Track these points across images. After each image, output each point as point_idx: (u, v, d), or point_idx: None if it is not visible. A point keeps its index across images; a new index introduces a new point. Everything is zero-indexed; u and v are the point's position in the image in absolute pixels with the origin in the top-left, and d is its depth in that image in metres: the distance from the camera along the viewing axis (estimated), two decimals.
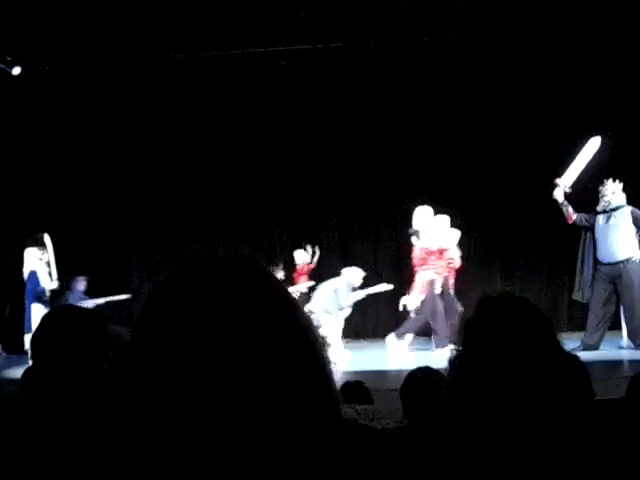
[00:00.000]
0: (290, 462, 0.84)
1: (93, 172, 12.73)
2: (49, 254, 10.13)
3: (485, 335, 1.63)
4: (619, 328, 9.69)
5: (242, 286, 0.89)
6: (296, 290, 11.98)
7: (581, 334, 9.52)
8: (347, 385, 4.19)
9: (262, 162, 12.85)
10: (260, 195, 12.92)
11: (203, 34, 11.56)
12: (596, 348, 9.29)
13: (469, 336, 1.65)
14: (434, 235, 10.19)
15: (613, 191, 9.45)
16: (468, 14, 11.31)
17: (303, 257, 12.54)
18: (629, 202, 9.53)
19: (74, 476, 1.83)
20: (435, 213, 10.35)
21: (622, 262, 9.30)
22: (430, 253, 10.15)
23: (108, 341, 2.11)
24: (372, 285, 11.11)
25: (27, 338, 9.44)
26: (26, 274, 10.00)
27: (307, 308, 11.03)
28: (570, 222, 9.68)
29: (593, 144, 9.71)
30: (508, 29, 11.50)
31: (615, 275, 9.34)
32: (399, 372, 5.87)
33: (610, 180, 9.51)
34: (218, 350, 0.84)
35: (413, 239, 10.38)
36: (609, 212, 9.46)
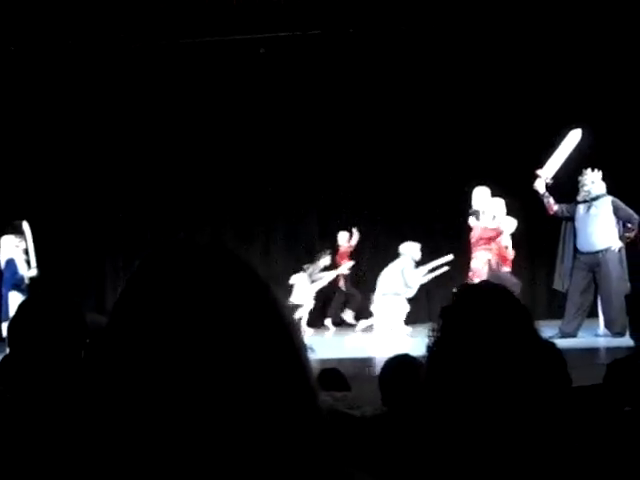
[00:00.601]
0: (265, 447, 0.84)
1: (72, 159, 12.61)
2: (27, 242, 10.06)
3: (463, 322, 1.64)
4: (596, 316, 9.76)
5: (215, 272, 0.89)
6: (339, 271, 12.07)
7: (559, 322, 9.58)
8: (324, 372, 4.20)
9: (245, 152, 12.76)
10: (245, 183, 12.84)
11: (182, 21, 11.49)
12: (574, 336, 9.35)
13: (447, 323, 1.66)
14: (492, 216, 10.15)
15: (592, 180, 9.49)
16: (449, 3, 11.33)
17: (346, 239, 12.62)
18: (609, 192, 9.57)
19: (51, 463, 1.83)
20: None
21: (601, 252, 9.35)
22: (488, 233, 10.10)
23: (85, 329, 2.10)
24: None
25: (4, 326, 9.37)
26: (3, 262, 9.92)
27: (378, 292, 11.08)
28: (551, 213, 9.73)
29: (574, 136, 9.76)
30: (489, 20, 11.52)
31: (594, 264, 9.40)
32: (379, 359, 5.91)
33: (589, 169, 9.54)
34: (192, 335, 0.84)
35: (471, 220, 10.35)
36: (589, 201, 9.50)
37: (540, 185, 9.63)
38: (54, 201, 12.47)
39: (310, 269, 11.80)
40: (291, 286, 11.52)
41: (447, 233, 11.98)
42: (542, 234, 11.27)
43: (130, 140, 12.75)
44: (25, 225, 10.11)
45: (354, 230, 12.57)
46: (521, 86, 12.06)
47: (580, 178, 9.58)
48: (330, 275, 12.06)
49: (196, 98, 12.65)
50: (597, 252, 9.38)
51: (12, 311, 8.45)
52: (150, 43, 12.04)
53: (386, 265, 11.62)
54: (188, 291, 0.87)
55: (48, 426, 1.92)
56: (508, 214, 10.42)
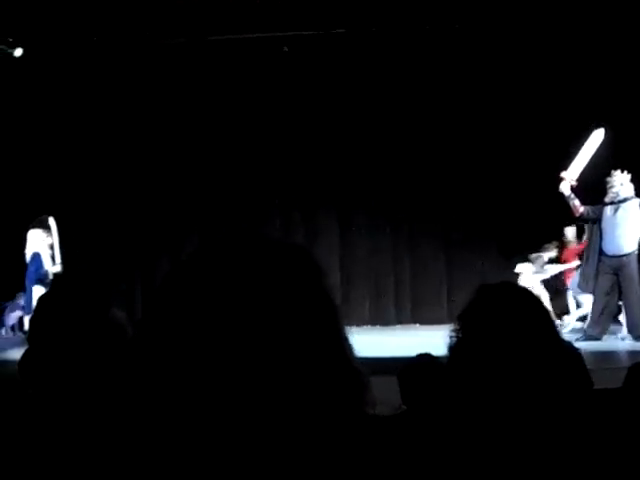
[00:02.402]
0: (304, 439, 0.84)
1: (98, 156, 12.67)
2: (53, 237, 10.18)
3: (484, 323, 1.64)
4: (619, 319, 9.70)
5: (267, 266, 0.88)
6: (565, 268, 11.51)
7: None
8: None
9: (268, 150, 12.73)
10: (257, 184, 12.84)
11: (205, 18, 11.52)
12: (599, 339, 9.22)
13: (468, 323, 1.66)
14: None
15: (621, 182, 9.30)
16: (472, 2, 11.29)
17: (573, 234, 11.75)
18: (637, 194, 9.39)
19: (72, 459, 1.83)
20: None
21: (625, 255, 9.20)
22: None
23: (107, 324, 2.11)
24: None
25: (27, 319, 9.49)
26: (29, 256, 10.04)
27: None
28: (577, 215, 9.60)
29: (597, 136, 9.64)
30: (511, 18, 11.47)
31: (618, 267, 9.25)
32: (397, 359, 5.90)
33: (618, 171, 9.36)
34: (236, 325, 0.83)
35: None
36: (617, 204, 9.32)
37: (565, 187, 9.50)
38: (88, 197, 12.53)
39: (535, 259, 11.38)
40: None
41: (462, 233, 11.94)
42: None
43: (153, 136, 12.78)
44: (51, 221, 10.23)
45: (586, 226, 11.93)
46: (543, 87, 11.99)
47: (608, 179, 9.39)
48: (555, 269, 11.66)
49: (220, 96, 12.67)
50: (622, 256, 9.22)
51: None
52: (173, 41, 12.08)
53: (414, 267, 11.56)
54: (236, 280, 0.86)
55: (69, 421, 1.93)
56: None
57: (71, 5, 11.00)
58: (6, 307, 11.83)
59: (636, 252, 9.21)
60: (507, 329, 1.61)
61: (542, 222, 11.63)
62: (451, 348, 1.67)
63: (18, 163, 12.39)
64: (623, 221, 9.25)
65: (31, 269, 9.97)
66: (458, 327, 1.67)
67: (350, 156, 12.65)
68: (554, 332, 1.68)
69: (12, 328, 11.84)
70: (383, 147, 12.60)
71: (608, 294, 9.35)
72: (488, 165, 12.25)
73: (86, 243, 12.31)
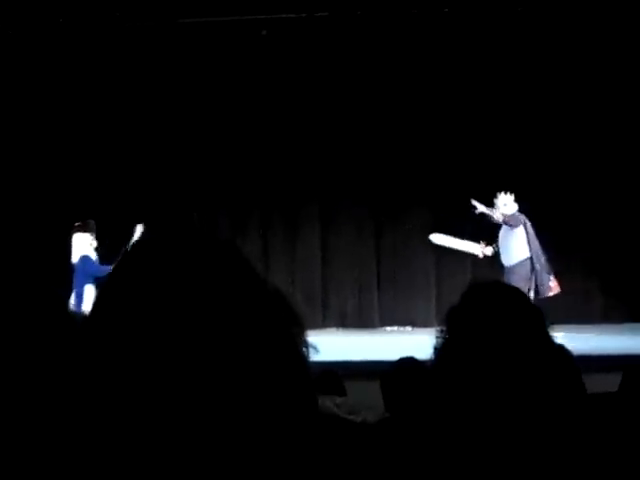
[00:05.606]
0: (258, 449, 0.85)
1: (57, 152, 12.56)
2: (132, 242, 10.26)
3: (471, 324, 1.64)
4: (613, 322, 9.85)
5: (207, 262, 0.90)
6: None
7: (578, 326, 9.75)
8: (319, 375, 4.18)
9: (244, 140, 12.63)
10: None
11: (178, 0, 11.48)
12: None
13: (455, 325, 1.67)
14: None
15: (504, 203, 10.54)
16: None
17: None
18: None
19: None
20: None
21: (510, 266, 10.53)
22: None
23: (70, 326, 2.10)
24: None
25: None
26: (77, 258, 10.13)
27: None
28: (501, 221, 10.54)
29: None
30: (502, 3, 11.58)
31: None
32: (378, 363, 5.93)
33: (502, 193, 10.59)
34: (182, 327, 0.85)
35: None
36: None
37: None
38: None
39: None
40: None
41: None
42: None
43: (116, 128, 12.56)
44: (138, 228, 10.35)
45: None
46: (537, 83, 12.10)
47: (495, 201, 10.61)
48: None
49: (191, 84, 12.53)
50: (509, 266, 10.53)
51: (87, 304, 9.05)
52: (141, 23, 11.98)
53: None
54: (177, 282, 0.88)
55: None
56: None
57: None
58: None
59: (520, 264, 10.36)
60: (497, 330, 1.62)
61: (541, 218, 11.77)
62: (438, 350, 1.68)
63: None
64: (507, 237, 10.58)
65: (86, 269, 10.04)
66: (445, 328, 1.68)
67: (333, 149, 12.58)
68: (546, 334, 1.69)
69: None
70: (367, 139, 12.54)
71: None
72: (480, 161, 12.27)
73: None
